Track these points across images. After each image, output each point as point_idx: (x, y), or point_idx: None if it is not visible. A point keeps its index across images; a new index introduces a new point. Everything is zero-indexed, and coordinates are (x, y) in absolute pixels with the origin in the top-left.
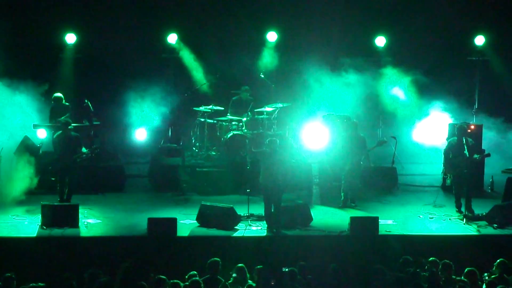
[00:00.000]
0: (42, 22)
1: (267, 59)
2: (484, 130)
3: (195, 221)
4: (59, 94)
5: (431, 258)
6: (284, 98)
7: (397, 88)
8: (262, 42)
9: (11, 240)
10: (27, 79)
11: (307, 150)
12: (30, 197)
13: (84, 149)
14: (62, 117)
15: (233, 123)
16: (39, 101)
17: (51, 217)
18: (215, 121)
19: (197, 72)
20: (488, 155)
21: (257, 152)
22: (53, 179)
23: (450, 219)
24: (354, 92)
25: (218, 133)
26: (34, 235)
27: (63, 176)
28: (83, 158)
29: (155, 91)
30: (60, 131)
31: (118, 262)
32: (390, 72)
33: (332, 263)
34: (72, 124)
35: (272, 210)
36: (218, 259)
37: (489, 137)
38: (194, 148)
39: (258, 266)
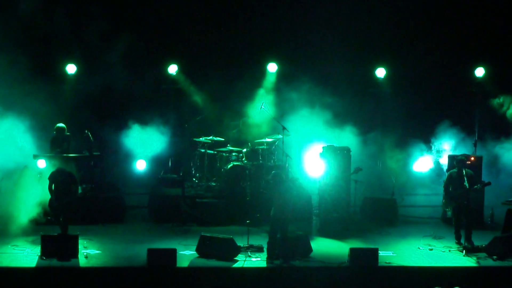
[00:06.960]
0: (43, 53)
1: (268, 90)
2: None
3: (195, 252)
4: (61, 125)
5: None
6: (284, 128)
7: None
8: (263, 73)
9: (10, 271)
10: (28, 109)
11: (308, 178)
12: (32, 227)
13: (80, 189)
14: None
15: (233, 154)
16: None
17: (50, 248)
18: (215, 152)
19: (197, 103)
20: (489, 183)
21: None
22: (49, 218)
23: (449, 250)
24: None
25: (218, 164)
26: (33, 265)
27: (62, 214)
28: (74, 199)
29: (155, 121)
30: (53, 170)
31: None
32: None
33: None
34: (72, 155)
35: (278, 236)
36: None
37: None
38: (194, 179)
39: None
